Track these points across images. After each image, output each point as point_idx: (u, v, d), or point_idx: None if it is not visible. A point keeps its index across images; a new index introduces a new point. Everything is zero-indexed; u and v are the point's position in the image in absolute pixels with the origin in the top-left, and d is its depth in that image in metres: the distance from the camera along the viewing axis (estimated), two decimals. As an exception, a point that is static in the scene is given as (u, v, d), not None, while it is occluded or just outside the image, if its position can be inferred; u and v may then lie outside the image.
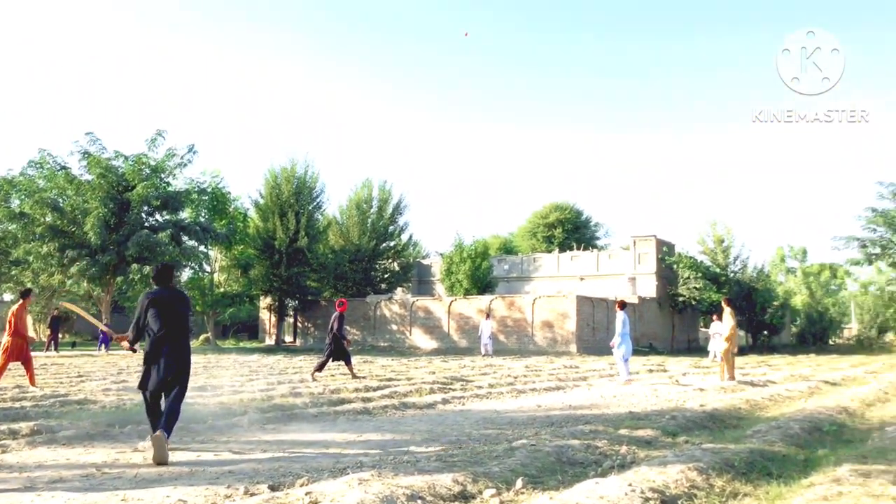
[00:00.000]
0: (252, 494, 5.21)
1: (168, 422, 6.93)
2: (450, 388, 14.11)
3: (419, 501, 4.86)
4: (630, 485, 4.96)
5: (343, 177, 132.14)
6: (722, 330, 16.82)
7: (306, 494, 4.91)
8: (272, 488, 5.34)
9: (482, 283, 41.62)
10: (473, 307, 38.22)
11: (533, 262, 51.66)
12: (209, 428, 8.72)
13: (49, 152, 34.49)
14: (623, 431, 8.14)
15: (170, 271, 7.69)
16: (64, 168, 34.34)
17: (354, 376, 15.94)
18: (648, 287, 44.16)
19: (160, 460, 6.58)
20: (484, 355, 29.25)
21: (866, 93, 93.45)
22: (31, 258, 33.38)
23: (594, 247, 60.04)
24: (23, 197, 34.50)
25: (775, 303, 46.51)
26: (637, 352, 36.69)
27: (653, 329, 43.05)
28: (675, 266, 44.13)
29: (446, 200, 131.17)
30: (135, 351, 8.24)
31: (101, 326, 9.75)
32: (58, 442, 7.62)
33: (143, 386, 7.21)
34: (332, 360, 16.26)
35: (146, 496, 5.20)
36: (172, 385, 7.20)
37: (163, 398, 7.23)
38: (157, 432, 6.71)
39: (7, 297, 42.65)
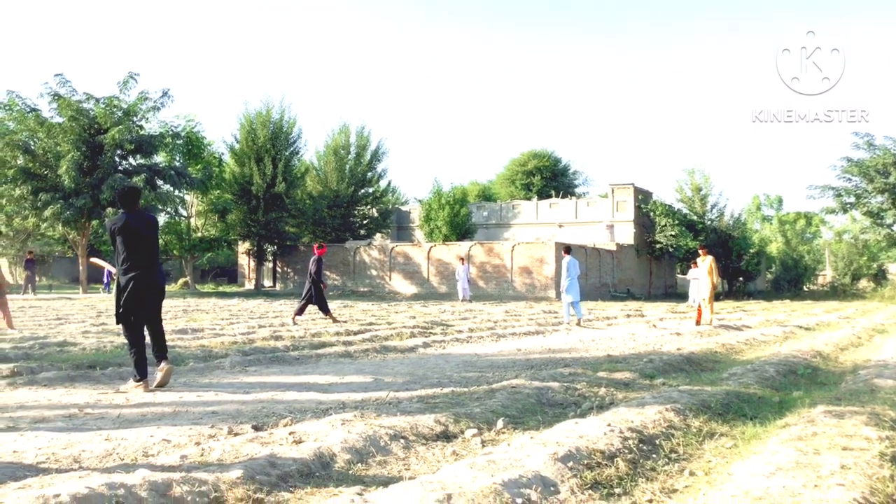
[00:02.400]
0: (236, 434, 5.23)
1: (163, 349, 7.41)
2: (430, 332, 14.20)
3: (402, 441, 4.90)
4: (609, 425, 5.03)
5: (320, 120, 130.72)
6: (700, 276, 17.03)
7: (290, 434, 4.94)
8: (256, 428, 5.35)
9: (461, 229, 41.69)
10: (453, 253, 38.29)
11: (512, 209, 51.68)
12: (191, 370, 8.75)
13: (18, 94, 33.60)
14: (601, 374, 8.25)
15: (136, 194, 7.49)
16: (34, 110, 33.48)
17: (335, 320, 15.97)
18: (626, 234, 44.46)
19: (164, 383, 7.38)
20: (462, 300, 29.41)
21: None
22: (3, 201, 32.82)
23: (573, 194, 60.12)
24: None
25: (751, 250, 46.99)
26: (615, 297, 37.20)
27: (630, 275, 43.50)
28: (651, 214, 44.39)
29: (425, 147, 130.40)
30: None
31: (108, 266, 10.07)
32: (39, 383, 7.60)
33: (122, 319, 7.29)
34: (312, 304, 16.24)
35: (130, 436, 5.19)
36: (150, 314, 7.39)
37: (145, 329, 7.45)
38: (164, 365, 7.33)
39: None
